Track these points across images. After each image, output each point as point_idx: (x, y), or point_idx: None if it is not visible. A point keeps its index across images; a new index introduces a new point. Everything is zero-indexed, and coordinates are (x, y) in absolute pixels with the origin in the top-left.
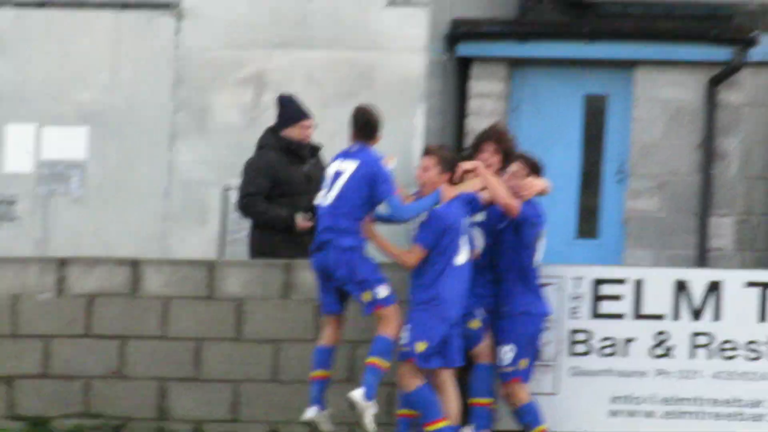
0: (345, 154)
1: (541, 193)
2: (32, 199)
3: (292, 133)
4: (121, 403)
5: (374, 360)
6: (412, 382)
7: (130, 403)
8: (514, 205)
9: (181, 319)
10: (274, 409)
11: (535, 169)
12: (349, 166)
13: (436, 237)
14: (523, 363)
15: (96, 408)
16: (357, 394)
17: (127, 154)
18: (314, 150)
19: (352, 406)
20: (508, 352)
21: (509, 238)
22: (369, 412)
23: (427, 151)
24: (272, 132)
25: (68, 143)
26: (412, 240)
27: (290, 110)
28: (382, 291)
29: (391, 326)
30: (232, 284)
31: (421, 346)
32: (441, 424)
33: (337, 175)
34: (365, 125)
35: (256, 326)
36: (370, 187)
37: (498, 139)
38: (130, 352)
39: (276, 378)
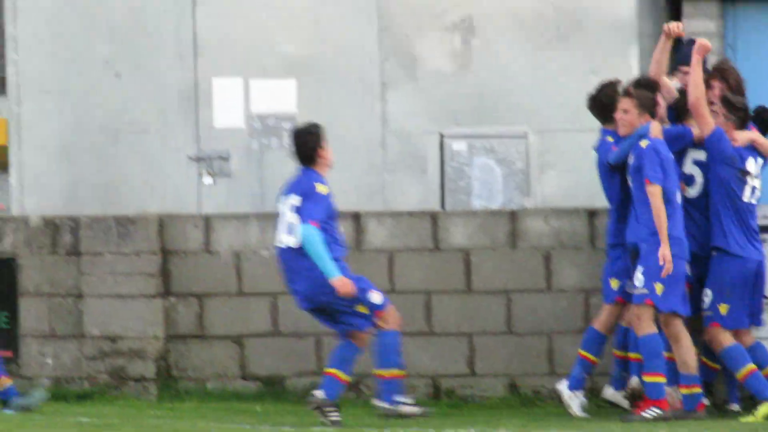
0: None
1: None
2: (246, 154)
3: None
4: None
5: (583, 353)
6: (647, 326)
7: (365, 359)
8: (707, 119)
9: (408, 271)
10: (511, 362)
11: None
12: None
13: (660, 170)
14: (723, 308)
15: None
16: (562, 386)
17: (337, 105)
18: None
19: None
20: (705, 296)
21: (711, 172)
22: (574, 402)
23: (626, 93)
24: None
25: (277, 96)
26: (641, 185)
27: (677, 54)
28: None
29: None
30: (457, 234)
31: (659, 288)
32: (659, 379)
33: None
34: None
35: (484, 277)
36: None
37: (722, 75)
38: None
39: (511, 330)
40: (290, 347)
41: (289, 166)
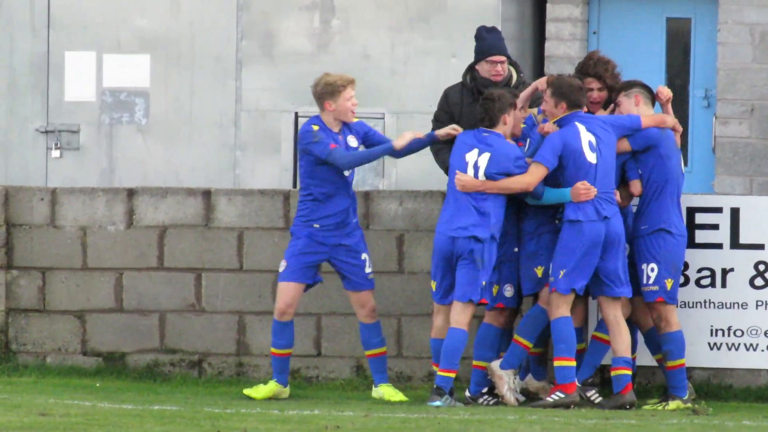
0: None
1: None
2: (96, 128)
3: (481, 69)
4: (198, 338)
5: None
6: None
7: (208, 337)
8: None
9: (258, 250)
10: (358, 344)
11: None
12: None
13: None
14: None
15: (172, 343)
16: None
17: (191, 81)
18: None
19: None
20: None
21: None
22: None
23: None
24: (469, 67)
25: (130, 71)
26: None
27: (481, 44)
28: None
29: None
30: None
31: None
32: (568, 363)
33: None
34: None
35: None
36: None
37: (599, 74)
38: (206, 285)
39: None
40: (132, 324)
41: (139, 141)
